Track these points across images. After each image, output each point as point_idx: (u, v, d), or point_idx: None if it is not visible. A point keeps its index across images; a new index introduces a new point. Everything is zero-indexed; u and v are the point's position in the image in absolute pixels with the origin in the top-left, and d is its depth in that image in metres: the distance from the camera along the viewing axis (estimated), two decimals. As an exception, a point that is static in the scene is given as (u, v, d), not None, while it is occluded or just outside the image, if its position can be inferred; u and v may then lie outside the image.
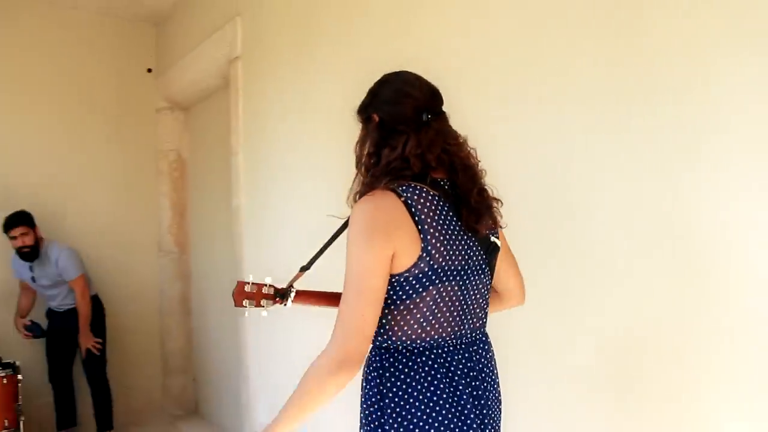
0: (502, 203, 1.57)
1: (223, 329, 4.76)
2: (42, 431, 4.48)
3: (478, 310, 1.51)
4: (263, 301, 1.83)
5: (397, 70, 1.57)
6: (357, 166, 1.51)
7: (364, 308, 1.33)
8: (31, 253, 4.29)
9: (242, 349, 3.94)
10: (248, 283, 1.84)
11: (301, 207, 3.34)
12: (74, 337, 4.49)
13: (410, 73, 1.55)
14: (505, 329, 1.89)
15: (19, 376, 4.05)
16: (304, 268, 1.86)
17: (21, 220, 4.28)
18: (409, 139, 1.44)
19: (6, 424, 3.97)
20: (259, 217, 3.76)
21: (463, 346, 1.47)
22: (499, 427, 1.56)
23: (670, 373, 1.76)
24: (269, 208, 3.64)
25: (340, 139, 2.96)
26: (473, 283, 1.48)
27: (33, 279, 4.42)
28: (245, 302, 1.83)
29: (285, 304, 1.85)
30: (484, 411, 1.47)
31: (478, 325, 1.52)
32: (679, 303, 1.74)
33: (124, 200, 5.16)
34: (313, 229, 3.08)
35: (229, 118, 4.10)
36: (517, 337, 2.11)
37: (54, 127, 4.93)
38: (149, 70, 5.40)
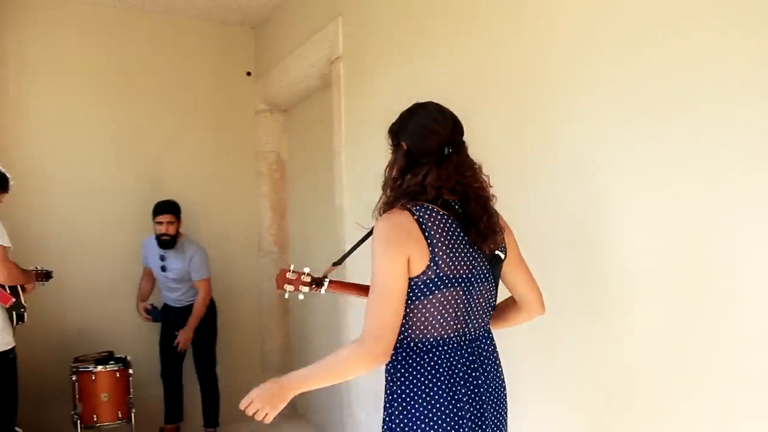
0: (503, 230, 1.81)
1: (322, 329, 4.79)
2: (151, 424, 4.63)
3: (481, 312, 1.76)
4: (301, 287, 2.10)
5: (425, 101, 1.84)
6: (383, 186, 1.79)
7: (390, 308, 1.61)
8: (169, 242, 4.49)
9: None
10: (290, 271, 2.11)
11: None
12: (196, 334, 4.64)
13: (435, 105, 1.81)
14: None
15: (130, 371, 4.23)
16: (336, 264, 2.14)
17: (172, 208, 4.50)
18: (429, 172, 1.70)
19: (119, 416, 4.14)
20: (362, 217, 3.74)
21: (466, 342, 1.73)
22: (501, 408, 1.79)
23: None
24: (372, 208, 3.61)
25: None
26: (477, 289, 1.72)
27: (162, 268, 4.57)
28: (286, 286, 2.11)
29: (320, 291, 2.13)
30: (483, 398, 1.72)
31: (481, 323, 1.77)
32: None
33: (225, 201, 5.29)
34: None
35: (331, 118, 4.12)
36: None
37: (156, 131, 5.13)
38: (248, 74, 5.51)
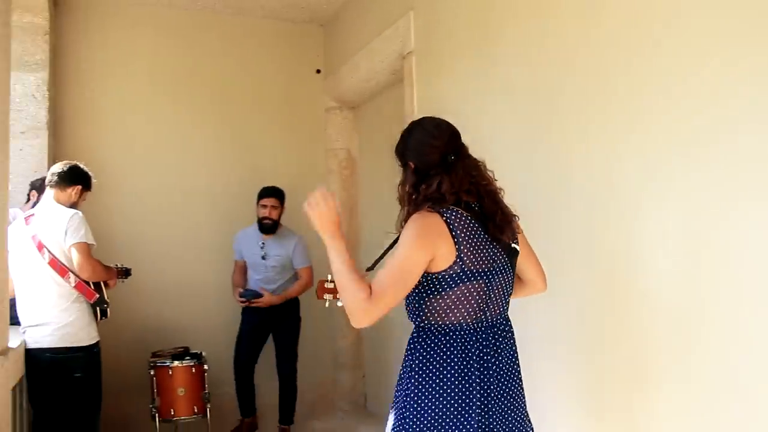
0: (518, 217, 2.01)
1: (393, 326, 4.73)
2: (225, 419, 4.68)
3: (500, 301, 1.94)
4: (338, 295, 2.05)
5: (421, 117, 2.09)
6: (401, 202, 1.98)
7: (402, 289, 1.81)
8: (271, 227, 4.52)
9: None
10: (327, 281, 2.35)
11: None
12: (267, 333, 4.68)
13: (430, 120, 2.02)
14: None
15: (206, 366, 4.28)
16: (369, 269, 2.22)
17: (277, 193, 4.56)
18: (442, 181, 1.87)
19: (195, 410, 4.19)
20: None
21: (483, 328, 1.89)
22: (514, 389, 1.95)
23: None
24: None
25: (525, 134, 2.88)
26: (497, 280, 1.91)
27: (263, 257, 4.57)
28: (325, 296, 2.36)
29: None
30: (492, 379, 1.87)
31: (499, 311, 1.95)
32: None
33: (294, 200, 5.27)
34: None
35: (402, 114, 4.07)
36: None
37: (227, 131, 5.21)
38: (318, 71, 5.52)
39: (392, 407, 1.93)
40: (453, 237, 1.82)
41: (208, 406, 4.25)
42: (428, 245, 1.80)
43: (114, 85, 4.94)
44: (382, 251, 2.14)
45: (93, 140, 4.81)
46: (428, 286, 1.86)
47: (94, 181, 3.37)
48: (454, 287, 1.84)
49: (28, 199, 3.80)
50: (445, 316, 1.86)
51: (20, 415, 3.00)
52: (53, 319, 3.03)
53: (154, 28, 5.08)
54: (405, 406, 1.86)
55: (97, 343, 3.18)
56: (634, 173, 2.31)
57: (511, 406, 1.93)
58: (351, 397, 5.41)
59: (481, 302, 1.87)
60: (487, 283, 1.87)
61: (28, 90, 4.42)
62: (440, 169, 1.89)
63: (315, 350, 5.26)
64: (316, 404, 5.35)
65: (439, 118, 2.02)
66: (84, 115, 4.85)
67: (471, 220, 1.88)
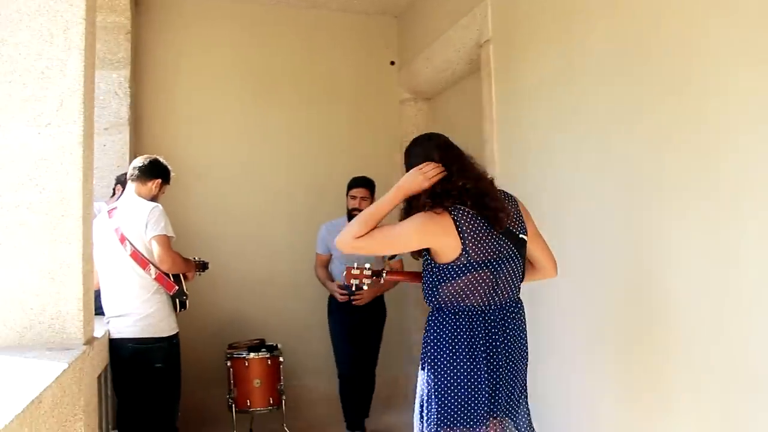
0: (517, 204, 2.35)
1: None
2: (300, 412, 4.70)
3: (509, 286, 2.24)
4: (365, 280, 2.54)
5: (419, 135, 2.49)
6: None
7: (382, 244, 2.26)
8: None
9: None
10: (354, 268, 2.56)
11: (566, 197, 3.10)
12: (363, 332, 4.48)
13: (424, 135, 2.46)
14: None
15: (281, 359, 4.30)
16: (390, 258, 2.88)
17: (368, 183, 4.38)
18: (438, 184, 2.19)
19: (270, 402, 4.22)
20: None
21: (492, 310, 2.20)
22: (517, 369, 2.24)
23: None
24: (526, 198, 3.42)
25: (611, 129, 2.73)
26: (504, 268, 2.20)
27: None
28: (352, 281, 2.57)
29: (381, 281, 2.62)
30: (496, 356, 2.17)
31: (510, 295, 2.25)
32: None
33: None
34: (585, 224, 2.88)
35: (480, 104, 3.98)
36: None
37: (301, 124, 5.24)
38: (392, 63, 5.47)
39: (421, 368, 2.27)
40: (459, 233, 2.14)
41: (284, 397, 4.28)
42: (423, 239, 2.20)
43: (192, 81, 5.04)
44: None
45: (172, 136, 4.92)
46: (440, 274, 2.19)
47: (172, 174, 3.42)
48: (462, 276, 2.16)
49: (114, 193, 3.90)
50: (455, 300, 2.19)
51: (105, 403, 3.07)
52: (135, 310, 3.09)
53: (230, 24, 5.15)
54: (428, 374, 2.20)
55: (177, 334, 3.23)
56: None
57: (515, 378, 2.24)
58: (425, 392, 5.32)
59: (488, 288, 2.18)
60: (493, 271, 2.18)
61: (111, 87, 4.55)
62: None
63: (388, 343, 5.18)
64: (390, 398, 5.32)
65: (432, 132, 2.49)
66: (163, 111, 4.97)
67: (476, 216, 2.17)
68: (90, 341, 2.55)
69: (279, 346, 4.39)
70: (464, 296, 2.17)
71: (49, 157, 2.48)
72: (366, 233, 2.17)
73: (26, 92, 2.49)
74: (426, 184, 2.19)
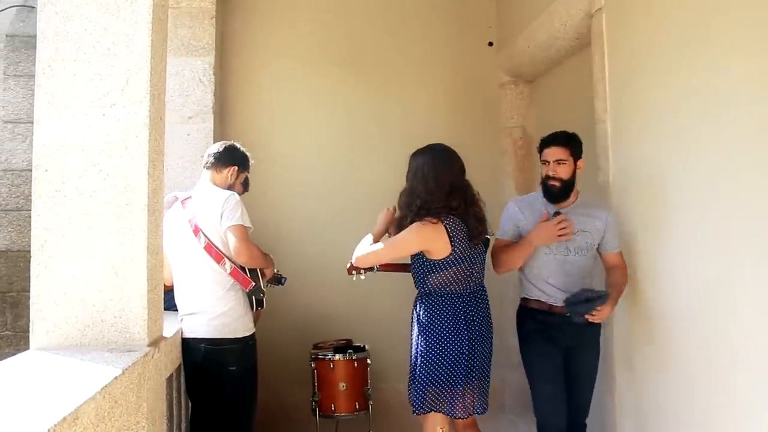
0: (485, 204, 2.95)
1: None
2: (388, 417, 4.43)
3: (477, 275, 2.89)
4: (362, 271, 3.04)
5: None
6: (400, 208, 2.96)
7: (389, 254, 2.88)
8: (561, 192, 3.01)
9: (609, 357, 3.34)
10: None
11: (691, 184, 2.64)
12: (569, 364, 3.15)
13: (448, 156, 3.02)
14: None
15: (368, 361, 4.04)
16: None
17: (567, 140, 3.04)
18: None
19: (356, 407, 3.96)
20: (634, 195, 3.13)
21: (467, 293, 2.85)
22: (488, 341, 2.92)
23: None
24: (648, 185, 2.98)
25: (753, 101, 2.28)
26: (476, 262, 2.86)
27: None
28: (353, 272, 3.04)
29: (374, 271, 3.07)
30: (474, 330, 2.81)
31: (477, 282, 2.90)
32: None
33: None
34: (712, 220, 2.43)
35: (589, 82, 3.55)
36: None
37: (393, 110, 4.94)
38: (490, 44, 5.09)
39: (416, 339, 2.89)
40: (450, 238, 2.75)
41: (370, 402, 4.00)
42: (421, 244, 2.80)
43: (278, 67, 4.85)
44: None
45: (257, 125, 4.75)
46: (430, 267, 2.83)
47: (251, 162, 3.18)
48: (448, 269, 2.80)
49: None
50: (441, 287, 2.83)
51: (179, 406, 2.88)
52: (208, 307, 2.85)
53: (317, 8, 4.92)
54: (421, 343, 2.82)
55: (253, 335, 2.97)
56: None
57: (487, 348, 2.90)
58: (523, 399, 4.93)
59: (464, 277, 2.83)
60: (469, 264, 2.82)
61: (196, 74, 4.42)
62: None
63: (485, 347, 4.85)
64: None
65: (452, 152, 3.06)
66: (248, 98, 4.80)
67: (461, 224, 2.78)
68: (156, 342, 2.34)
69: (366, 347, 4.11)
70: (448, 284, 2.83)
71: (114, 140, 2.29)
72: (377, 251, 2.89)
73: (91, 70, 2.30)
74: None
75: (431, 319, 2.81)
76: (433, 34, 5.04)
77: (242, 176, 3.11)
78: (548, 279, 3.02)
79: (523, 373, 4.86)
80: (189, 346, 2.84)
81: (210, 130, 4.35)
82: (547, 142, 3.07)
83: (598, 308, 2.81)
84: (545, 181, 3.04)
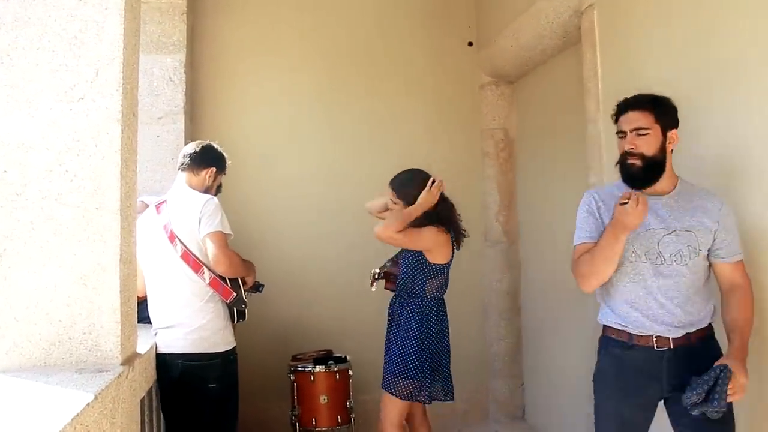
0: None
1: (561, 329, 4.13)
2: (370, 428, 4.25)
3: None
4: (375, 282, 3.41)
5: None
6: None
7: (406, 241, 3.14)
8: (645, 174, 2.22)
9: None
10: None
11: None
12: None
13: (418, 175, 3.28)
14: None
15: (350, 372, 3.89)
16: (393, 260, 3.45)
17: (650, 104, 2.33)
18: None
19: (339, 421, 3.80)
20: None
21: (443, 299, 3.30)
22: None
23: None
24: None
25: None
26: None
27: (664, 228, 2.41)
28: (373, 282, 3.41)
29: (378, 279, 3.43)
30: (446, 332, 3.28)
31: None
32: None
33: (447, 185, 4.78)
34: None
35: (579, 81, 3.45)
36: None
37: (371, 110, 4.78)
38: (470, 44, 4.96)
39: (399, 335, 3.21)
40: (452, 245, 3.21)
41: (353, 415, 3.83)
42: (433, 244, 3.13)
43: (253, 66, 4.63)
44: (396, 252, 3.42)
45: (231, 125, 4.52)
46: (432, 271, 3.18)
47: (228, 162, 2.98)
48: (443, 274, 3.21)
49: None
50: (433, 291, 3.21)
51: (150, 426, 2.65)
52: (185, 320, 2.64)
53: (296, 4, 4.72)
54: (406, 341, 3.15)
55: (234, 349, 2.77)
56: None
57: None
58: (507, 408, 4.83)
59: (446, 283, 3.27)
60: (449, 273, 3.26)
61: (166, 73, 4.20)
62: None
63: (467, 354, 4.68)
64: (468, 415, 4.83)
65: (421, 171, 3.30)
66: (222, 98, 4.57)
67: (453, 234, 3.21)
68: (130, 360, 2.13)
69: (348, 358, 3.93)
70: (438, 288, 3.23)
71: (82, 138, 2.08)
72: (402, 230, 3.07)
73: (56, 61, 2.09)
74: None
75: (420, 321, 3.16)
76: (411, 33, 4.89)
77: (219, 178, 2.91)
78: (631, 299, 2.21)
79: (511, 380, 4.80)
80: (165, 362, 2.62)
81: (181, 131, 4.13)
82: (624, 107, 2.30)
83: (730, 387, 1.95)
84: (622, 160, 2.26)
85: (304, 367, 3.78)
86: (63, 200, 2.04)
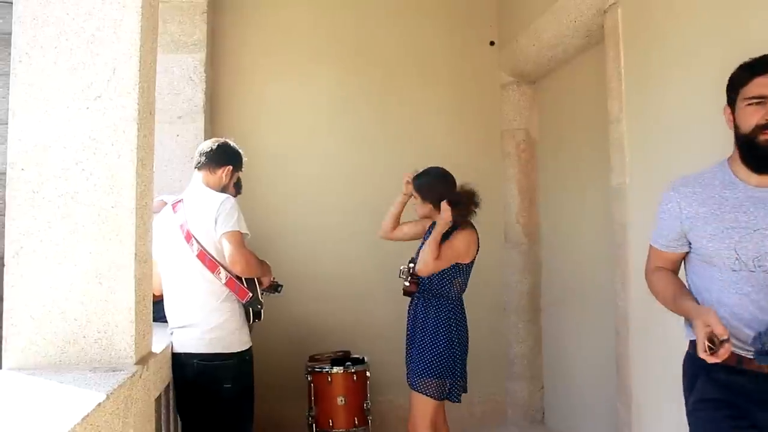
0: None
1: (581, 331, 4.08)
2: (385, 430, 4.23)
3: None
4: (408, 277, 3.27)
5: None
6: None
7: (446, 262, 3.15)
8: None
9: (622, 359, 3.17)
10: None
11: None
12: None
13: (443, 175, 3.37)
14: None
15: (368, 373, 3.86)
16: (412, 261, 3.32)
17: None
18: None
19: (356, 422, 3.78)
20: (651, 201, 2.94)
21: (462, 299, 3.33)
22: None
23: None
24: (661, 191, 2.80)
25: None
26: None
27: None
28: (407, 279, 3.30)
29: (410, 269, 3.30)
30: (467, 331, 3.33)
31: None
32: None
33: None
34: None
35: (602, 82, 3.38)
36: None
37: (390, 110, 4.75)
38: (492, 43, 4.90)
39: (432, 336, 3.19)
40: (477, 244, 3.26)
41: (370, 417, 3.81)
42: (464, 250, 3.19)
43: (273, 65, 4.63)
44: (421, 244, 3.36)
45: (250, 125, 4.52)
46: (458, 271, 3.21)
47: (245, 160, 2.96)
48: (467, 273, 3.27)
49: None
50: (457, 291, 3.24)
51: (167, 425, 2.65)
52: (201, 320, 2.63)
53: (313, 3, 4.70)
54: (438, 342, 3.16)
55: (250, 349, 2.76)
56: None
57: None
58: (526, 410, 4.77)
59: (467, 283, 3.30)
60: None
61: (186, 72, 4.21)
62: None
63: (486, 356, 4.63)
64: (486, 417, 4.78)
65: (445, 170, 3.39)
66: (241, 97, 4.58)
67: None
68: (144, 359, 2.12)
69: (366, 359, 3.91)
70: (461, 288, 3.26)
71: (98, 136, 2.07)
72: (438, 255, 3.11)
73: (74, 59, 2.08)
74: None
75: (449, 322, 3.18)
76: (432, 32, 4.85)
77: (236, 176, 2.90)
78: (737, 311, 1.79)
79: (530, 382, 4.75)
80: (180, 361, 2.62)
81: (201, 131, 4.14)
82: (756, 67, 1.80)
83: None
84: (751, 136, 1.76)
85: (322, 368, 3.77)
86: (79, 199, 2.03)
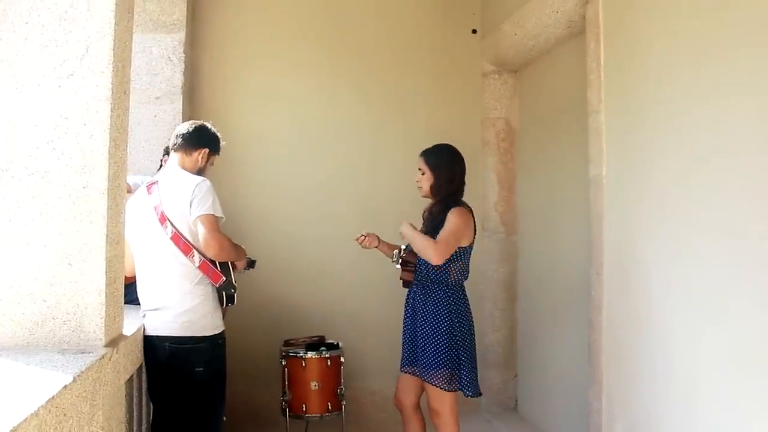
0: None
1: (555, 320, 4.11)
2: (361, 419, 4.27)
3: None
4: (400, 260, 3.24)
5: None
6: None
7: (451, 243, 3.00)
8: None
9: (594, 349, 3.20)
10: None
11: (702, 184, 2.47)
12: None
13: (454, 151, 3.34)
14: None
15: (342, 359, 3.85)
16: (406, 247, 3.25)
17: None
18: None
19: (329, 408, 3.77)
20: (628, 192, 2.97)
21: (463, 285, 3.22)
22: None
23: None
24: (646, 178, 2.82)
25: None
26: None
27: None
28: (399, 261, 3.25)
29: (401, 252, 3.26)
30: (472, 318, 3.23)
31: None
32: None
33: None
34: (728, 220, 2.26)
35: (582, 72, 3.39)
36: None
37: (372, 97, 4.73)
38: (474, 32, 4.89)
39: (437, 328, 3.07)
40: (474, 226, 3.15)
41: (343, 403, 3.81)
42: (462, 229, 3.05)
43: (253, 47, 4.60)
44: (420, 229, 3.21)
45: (229, 106, 4.49)
46: (455, 255, 3.06)
47: (222, 143, 2.93)
48: (466, 257, 3.15)
49: (161, 166, 3.46)
50: (458, 277, 3.14)
51: (138, 408, 2.64)
52: (174, 303, 2.61)
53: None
54: (445, 333, 3.04)
55: (222, 333, 2.74)
56: None
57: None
58: (500, 399, 4.81)
59: (468, 267, 3.19)
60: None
61: (165, 52, 4.17)
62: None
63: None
64: (459, 404, 4.80)
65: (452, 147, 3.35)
66: (221, 79, 4.54)
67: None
68: (114, 342, 2.10)
69: (340, 344, 3.91)
70: (461, 273, 3.15)
71: (71, 115, 2.04)
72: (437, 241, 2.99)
73: (45, 36, 2.05)
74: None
75: (453, 310, 3.07)
76: (414, 18, 4.83)
77: (212, 159, 2.87)
78: None
79: (504, 371, 4.78)
80: (152, 344, 2.60)
81: (179, 112, 4.10)
82: None
83: None
84: None
85: (296, 353, 3.76)
86: (50, 178, 2.01)
